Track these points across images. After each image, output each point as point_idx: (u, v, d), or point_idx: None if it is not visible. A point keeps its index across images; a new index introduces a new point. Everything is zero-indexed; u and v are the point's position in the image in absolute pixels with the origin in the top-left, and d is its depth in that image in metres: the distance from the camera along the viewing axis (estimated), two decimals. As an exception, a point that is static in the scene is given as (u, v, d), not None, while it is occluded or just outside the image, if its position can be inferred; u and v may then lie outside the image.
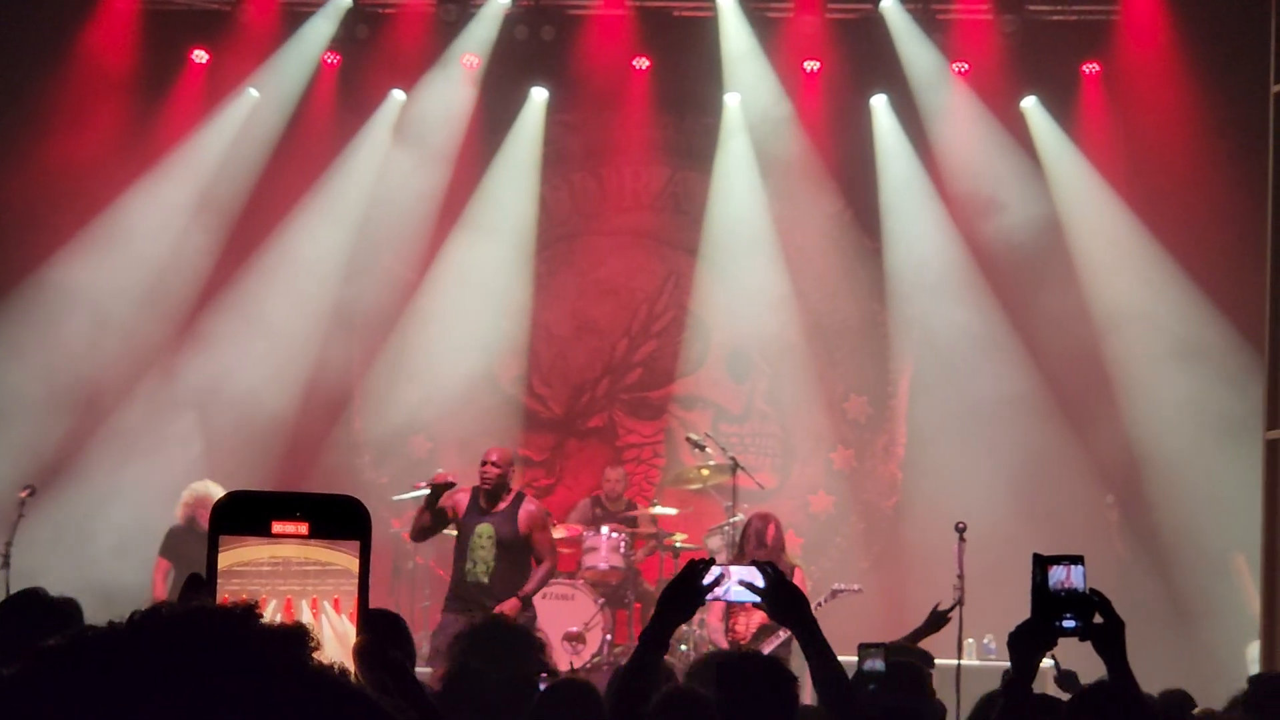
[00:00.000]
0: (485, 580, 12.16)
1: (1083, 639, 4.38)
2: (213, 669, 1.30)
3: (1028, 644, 4.34)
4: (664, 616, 4.95)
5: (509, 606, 11.91)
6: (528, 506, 12.46)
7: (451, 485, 12.15)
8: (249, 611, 1.34)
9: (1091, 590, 4.34)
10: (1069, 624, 4.29)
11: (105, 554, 14.93)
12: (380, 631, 1.92)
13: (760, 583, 5.13)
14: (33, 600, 4.64)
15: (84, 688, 1.28)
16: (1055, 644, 4.34)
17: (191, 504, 13.30)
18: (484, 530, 12.26)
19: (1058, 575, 4.29)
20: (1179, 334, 16.35)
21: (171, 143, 17.08)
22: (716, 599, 5.17)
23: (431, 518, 12.32)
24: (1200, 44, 16.72)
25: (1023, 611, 12.14)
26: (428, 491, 12.31)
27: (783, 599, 5.13)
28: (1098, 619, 4.34)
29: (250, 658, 1.32)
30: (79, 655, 1.32)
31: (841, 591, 13.70)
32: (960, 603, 11.86)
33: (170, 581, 13.20)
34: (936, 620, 10.30)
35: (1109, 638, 4.39)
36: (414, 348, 17.39)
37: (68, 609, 4.66)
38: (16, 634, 4.50)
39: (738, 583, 5.12)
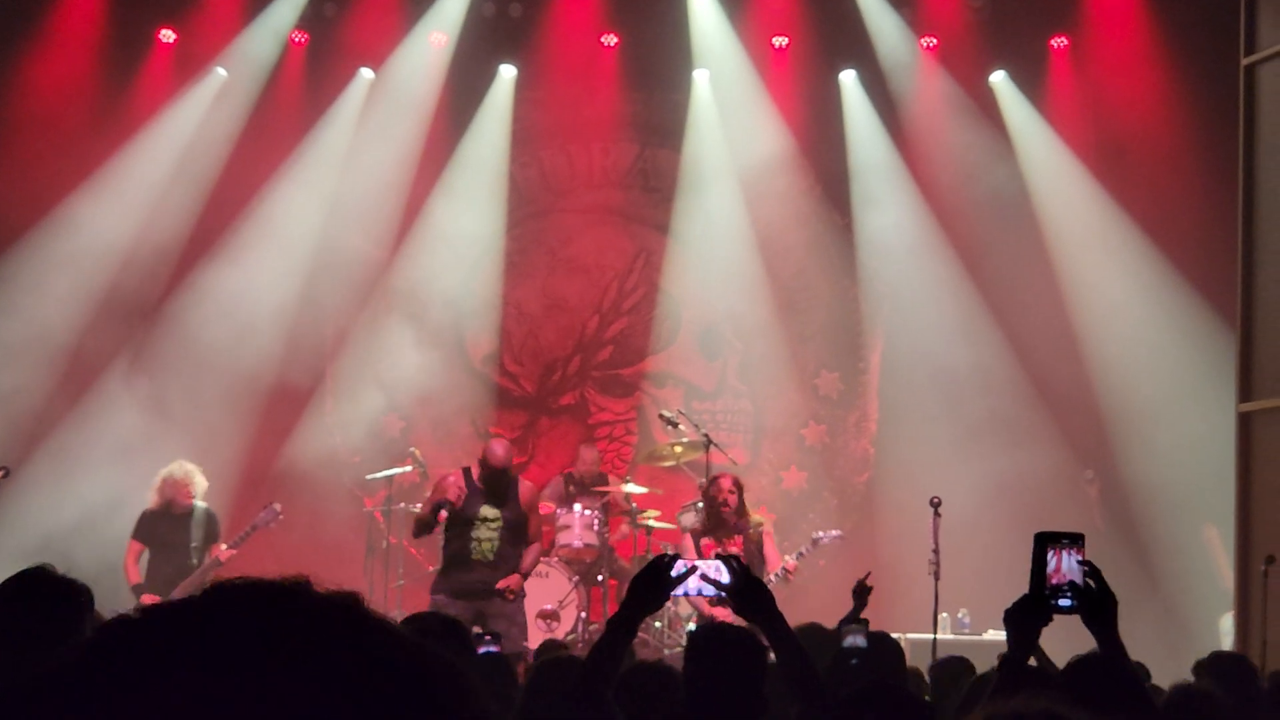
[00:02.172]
0: (492, 558, 12.25)
1: (1084, 618, 4.41)
2: (304, 637, 1.28)
3: (1024, 621, 4.35)
4: (632, 607, 5.00)
5: (514, 581, 12.22)
6: (524, 487, 12.59)
7: (454, 505, 12.21)
8: (305, 580, 1.34)
9: (1085, 563, 4.35)
10: (1064, 602, 4.31)
11: (68, 532, 14.85)
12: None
13: (726, 578, 5.17)
14: (42, 578, 4.61)
15: (161, 660, 1.26)
16: (1051, 620, 4.36)
17: (166, 486, 13.24)
18: (489, 514, 12.32)
19: (1061, 562, 4.30)
20: (1151, 307, 16.40)
21: (139, 123, 16.98)
22: (683, 594, 5.20)
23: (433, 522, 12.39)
24: (1168, 18, 16.76)
25: (996, 585, 12.19)
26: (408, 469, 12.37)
27: (749, 594, 5.16)
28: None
29: (331, 621, 1.31)
30: (155, 628, 1.30)
31: (822, 539, 13.62)
32: (936, 577, 11.90)
33: (143, 564, 13.14)
34: (861, 594, 10.28)
35: (1101, 612, 4.40)
36: (385, 327, 17.35)
37: (77, 587, 4.63)
38: (26, 611, 4.48)
39: (701, 577, 5.15)
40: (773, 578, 12.50)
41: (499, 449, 12.69)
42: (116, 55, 17.12)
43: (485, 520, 12.29)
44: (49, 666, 1.29)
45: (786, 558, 12.92)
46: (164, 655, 1.26)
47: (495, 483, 12.34)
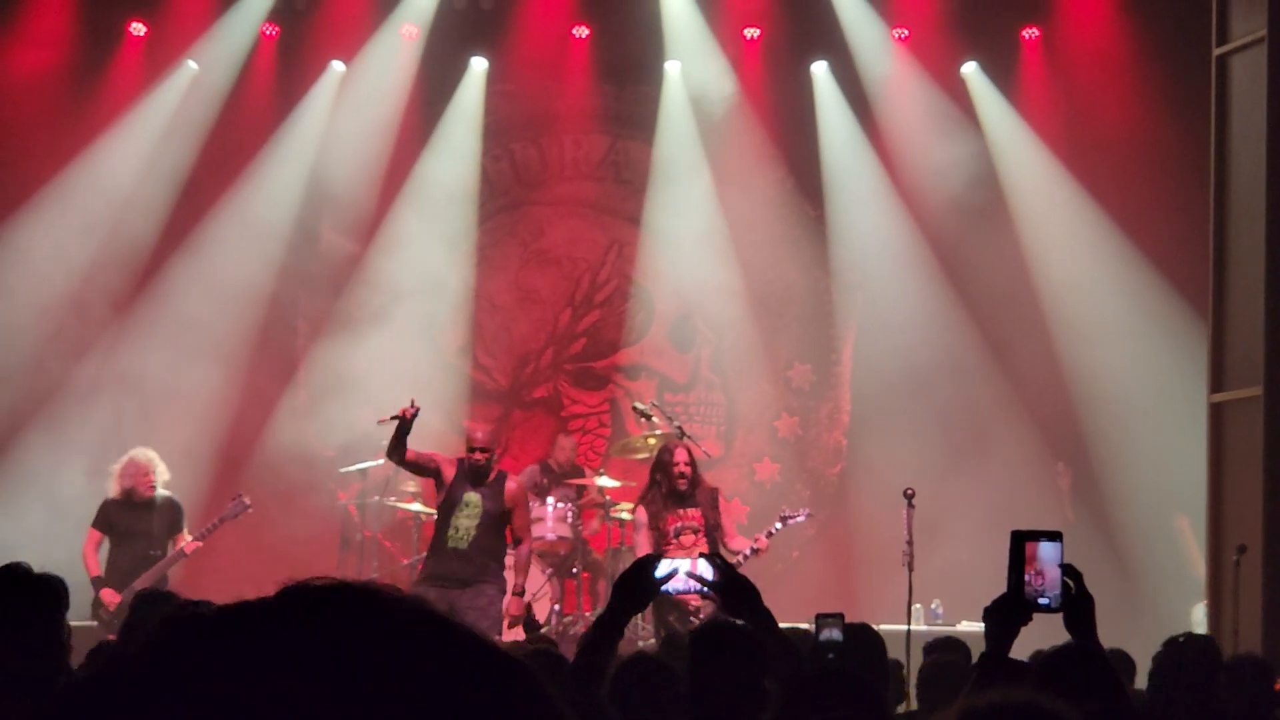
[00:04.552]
0: (464, 547, 12.17)
1: (1064, 618, 4.42)
2: (382, 640, 1.28)
3: (1003, 619, 4.35)
4: (617, 608, 5.01)
5: (515, 607, 12.32)
6: (511, 484, 12.49)
7: (416, 414, 12.08)
8: (380, 585, 1.34)
9: (1066, 565, 4.36)
10: (1044, 601, 4.31)
11: (35, 528, 14.79)
12: None
13: (711, 575, 5.19)
14: (18, 576, 4.59)
15: (231, 662, 1.25)
16: (1030, 619, 4.36)
17: (127, 473, 13.08)
18: (471, 499, 12.28)
19: (1038, 560, 4.30)
20: (1122, 299, 16.45)
21: (111, 116, 16.93)
22: (668, 592, 5.23)
23: (402, 443, 12.23)
24: (1140, 8, 16.80)
25: (969, 576, 12.20)
26: (393, 424, 12.28)
27: (734, 590, 5.17)
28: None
29: (414, 626, 1.30)
30: (226, 628, 1.28)
31: (790, 518, 13.32)
32: (910, 568, 11.94)
33: (103, 554, 13.00)
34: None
35: (1080, 613, 4.41)
36: (357, 320, 17.30)
37: (53, 584, 4.61)
38: (3, 611, 4.46)
39: (686, 574, 5.17)
40: (741, 558, 12.45)
41: (478, 431, 12.75)
42: (87, 48, 17.06)
43: (466, 505, 12.28)
44: (112, 666, 1.28)
45: (758, 535, 12.82)
46: (235, 658, 1.25)
47: (478, 469, 12.31)
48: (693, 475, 12.65)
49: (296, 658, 1.23)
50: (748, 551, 12.61)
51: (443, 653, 1.28)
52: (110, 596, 12.53)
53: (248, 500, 13.35)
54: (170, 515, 13.07)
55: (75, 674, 4.63)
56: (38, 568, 4.65)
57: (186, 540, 12.93)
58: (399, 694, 1.23)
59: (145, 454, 13.18)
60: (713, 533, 12.54)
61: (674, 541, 12.40)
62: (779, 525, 13.12)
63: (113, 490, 13.05)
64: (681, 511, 12.51)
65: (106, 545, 13.04)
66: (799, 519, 13.50)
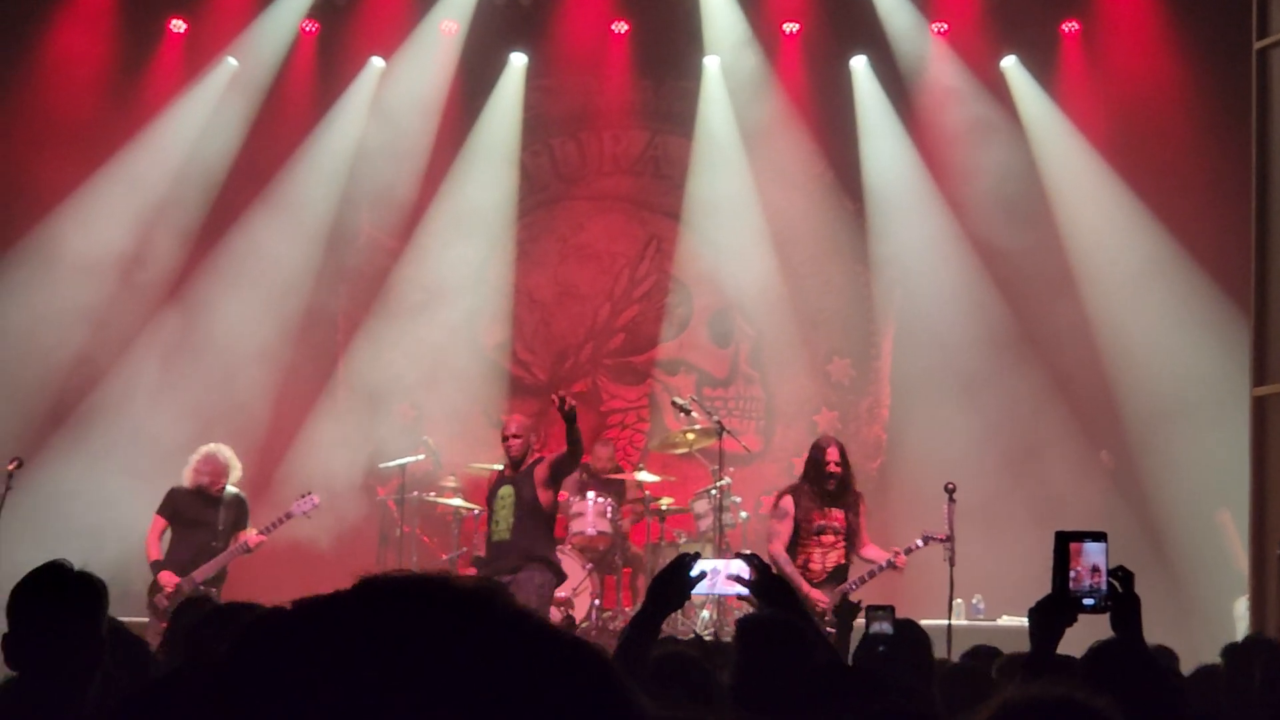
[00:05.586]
0: (507, 537, 12.46)
1: (1111, 618, 4.41)
2: (454, 628, 1.29)
3: (1048, 620, 4.34)
4: (654, 606, 5.03)
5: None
6: (541, 466, 12.61)
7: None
8: (448, 573, 1.36)
9: (1118, 567, 4.35)
10: (1088, 601, 4.30)
11: (81, 528, 14.82)
12: None
13: (748, 574, 5.21)
14: (60, 573, 4.62)
15: (317, 658, 1.26)
16: (1075, 620, 4.34)
17: (205, 467, 13.12)
18: (505, 492, 12.60)
19: (1082, 560, 4.29)
20: (1163, 292, 16.36)
21: (151, 114, 16.98)
22: (706, 592, 5.27)
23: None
24: (1179, 1, 16.72)
25: (1010, 571, 12.16)
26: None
27: (771, 589, 5.19)
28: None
29: (480, 614, 1.32)
30: (308, 625, 1.30)
31: (932, 539, 12.48)
32: (951, 563, 11.91)
33: (165, 541, 13.06)
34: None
35: (1126, 613, 4.40)
36: (397, 316, 17.35)
37: (95, 582, 4.65)
38: (47, 605, 4.50)
39: (726, 576, 5.19)
40: (876, 569, 12.38)
41: (509, 423, 12.98)
42: (128, 46, 17.11)
43: (503, 498, 12.52)
44: (199, 665, 1.29)
45: (897, 549, 12.40)
46: (320, 653, 1.26)
47: (513, 459, 12.57)
48: (842, 474, 12.53)
49: (373, 653, 1.25)
50: (883, 564, 12.40)
51: (517, 642, 1.29)
52: (169, 578, 12.66)
53: (316, 498, 13.43)
54: (236, 511, 13.19)
55: (154, 675, 4.68)
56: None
57: (251, 534, 13.01)
58: (475, 684, 1.24)
59: (224, 453, 13.27)
60: (851, 537, 12.46)
61: (814, 539, 12.36)
62: (920, 543, 12.55)
63: (186, 479, 13.12)
64: (827, 510, 12.40)
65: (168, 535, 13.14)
66: (939, 540, 12.78)
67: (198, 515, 13.02)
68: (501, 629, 1.29)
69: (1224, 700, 6.80)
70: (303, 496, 13.41)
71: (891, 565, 12.33)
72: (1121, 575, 4.37)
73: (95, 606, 4.56)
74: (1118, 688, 3.75)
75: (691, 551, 5.51)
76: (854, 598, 11.66)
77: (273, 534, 13.23)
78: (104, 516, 14.77)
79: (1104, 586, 4.30)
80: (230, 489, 13.18)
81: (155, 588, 12.76)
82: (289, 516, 13.26)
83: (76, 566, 4.69)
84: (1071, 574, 4.28)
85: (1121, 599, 4.36)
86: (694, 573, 5.03)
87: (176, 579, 12.63)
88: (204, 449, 13.30)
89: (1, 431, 15.51)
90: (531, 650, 1.29)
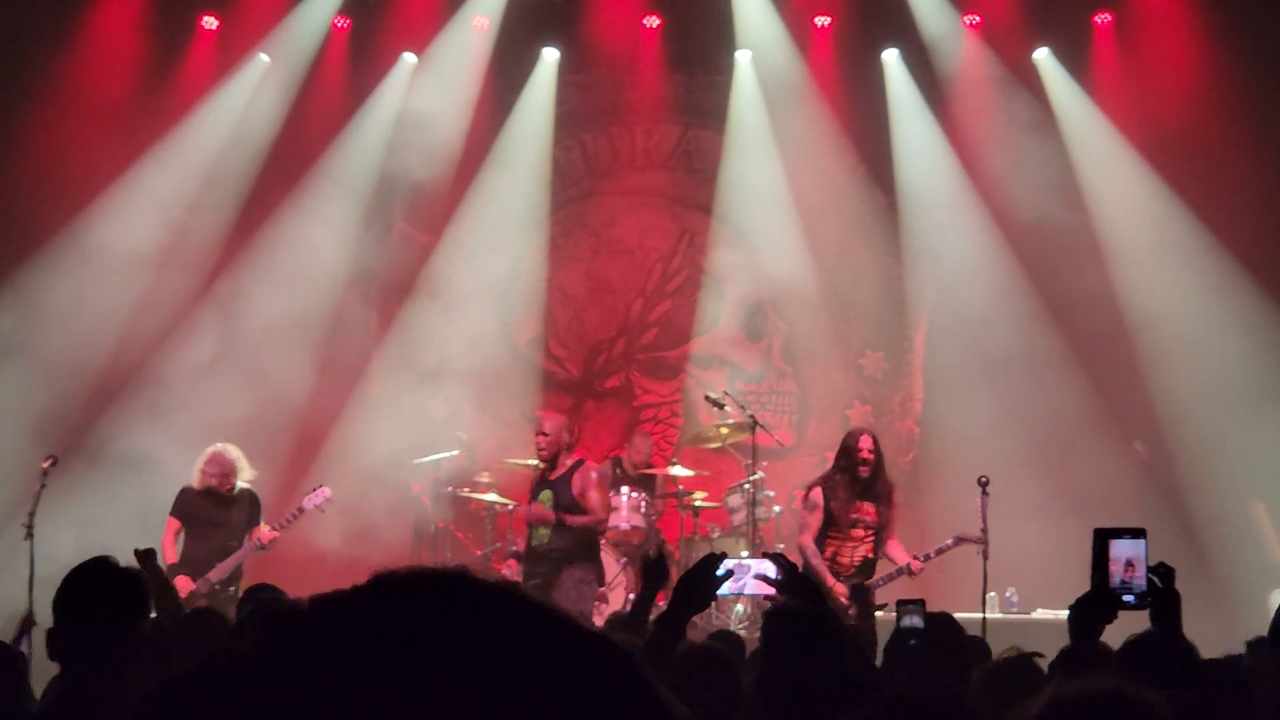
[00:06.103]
0: (547, 543, 12.44)
1: (1151, 614, 4.41)
2: (477, 620, 1.29)
3: (1088, 616, 4.34)
4: (680, 607, 5.03)
5: (536, 511, 12.56)
6: (583, 471, 12.61)
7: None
8: (465, 569, 1.36)
9: (1159, 564, 4.34)
10: (1127, 598, 4.29)
11: (119, 525, 14.83)
12: None
13: (774, 574, 5.21)
14: (107, 567, 4.65)
15: (336, 654, 1.27)
16: (1115, 617, 4.34)
17: (213, 467, 13.08)
18: (544, 497, 12.54)
19: (1121, 557, 4.28)
20: (1198, 284, 16.29)
21: (183, 111, 17.02)
22: (735, 591, 5.29)
23: None
24: (1213, -7, 16.68)
25: (1044, 564, 12.11)
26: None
27: (798, 588, 5.19)
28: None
29: (500, 607, 1.32)
30: (326, 621, 1.30)
31: (965, 540, 12.35)
32: (985, 557, 11.87)
33: (180, 542, 13.04)
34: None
35: (1166, 609, 4.40)
36: (430, 311, 17.37)
37: (140, 576, 4.67)
38: (94, 597, 4.52)
39: (755, 577, 5.20)
40: (895, 572, 12.27)
41: (544, 421, 12.93)
42: (160, 43, 17.14)
43: (542, 504, 12.46)
44: (218, 661, 1.30)
45: (915, 555, 12.26)
46: (339, 649, 1.27)
47: (549, 464, 12.52)
48: (875, 463, 12.39)
49: (390, 649, 1.25)
50: (901, 567, 12.28)
51: (537, 638, 1.29)
52: (184, 583, 12.57)
53: (328, 492, 13.31)
54: (249, 508, 13.09)
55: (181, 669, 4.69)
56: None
57: (264, 531, 12.93)
58: (494, 679, 1.25)
59: (230, 451, 13.13)
60: (880, 532, 12.36)
61: (846, 532, 12.29)
62: (951, 543, 12.42)
63: (195, 480, 13.06)
64: (860, 504, 12.30)
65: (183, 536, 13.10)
66: (971, 541, 12.65)
67: (210, 515, 12.93)
68: (520, 625, 1.30)
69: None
70: (314, 490, 13.32)
71: (908, 571, 12.19)
72: (1163, 572, 4.37)
73: (140, 603, 4.59)
74: (1157, 682, 3.75)
75: (719, 551, 5.51)
76: (878, 599, 11.68)
77: (289, 529, 13.15)
78: (148, 507, 14.79)
79: (1144, 583, 4.29)
80: (241, 485, 13.06)
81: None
82: (301, 511, 13.09)
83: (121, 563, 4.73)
84: (1111, 571, 4.27)
85: (1163, 595, 4.36)
86: (721, 572, 5.04)
87: (192, 584, 12.58)
88: (210, 449, 13.17)
89: (40, 421, 15.56)
90: (554, 647, 1.29)
